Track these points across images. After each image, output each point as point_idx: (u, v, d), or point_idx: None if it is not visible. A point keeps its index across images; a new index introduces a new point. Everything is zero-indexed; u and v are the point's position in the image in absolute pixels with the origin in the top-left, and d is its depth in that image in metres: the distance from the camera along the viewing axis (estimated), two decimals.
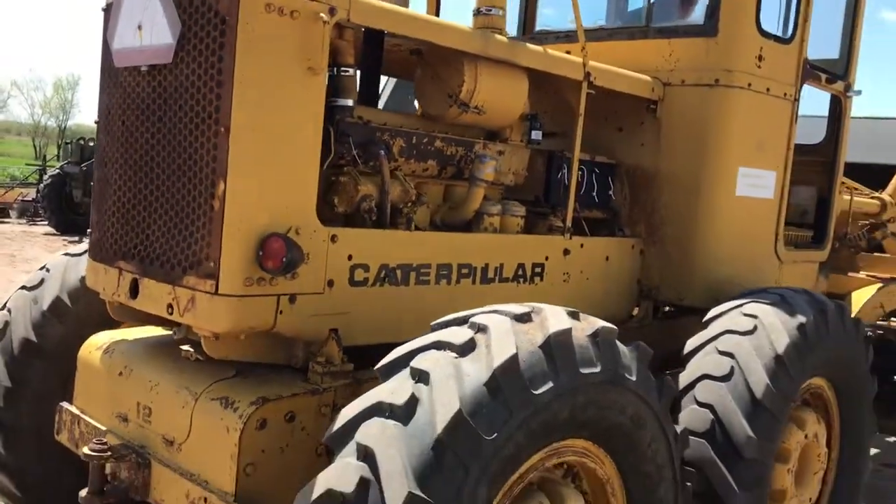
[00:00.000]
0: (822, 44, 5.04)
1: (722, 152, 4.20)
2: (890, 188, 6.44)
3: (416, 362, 2.36)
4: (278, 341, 3.00)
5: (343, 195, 3.18)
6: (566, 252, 3.90)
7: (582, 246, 3.99)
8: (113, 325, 3.57)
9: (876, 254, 6.66)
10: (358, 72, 3.60)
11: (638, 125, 4.38)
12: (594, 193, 4.28)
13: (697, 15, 4.32)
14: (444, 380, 2.27)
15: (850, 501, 4.28)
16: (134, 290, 3.02)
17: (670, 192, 4.29)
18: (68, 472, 3.60)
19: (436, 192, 3.65)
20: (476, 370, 2.31)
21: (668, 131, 4.29)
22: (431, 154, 3.48)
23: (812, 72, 4.58)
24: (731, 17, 4.12)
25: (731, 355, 3.50)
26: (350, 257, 3.03)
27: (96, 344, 3.45)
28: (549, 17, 5.41)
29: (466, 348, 2.39)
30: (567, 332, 2.50)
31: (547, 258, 3.82)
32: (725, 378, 3.45)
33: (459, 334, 2.45)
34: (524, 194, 4.01)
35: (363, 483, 2.16)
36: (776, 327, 3.54)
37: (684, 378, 3.55)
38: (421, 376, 2.31)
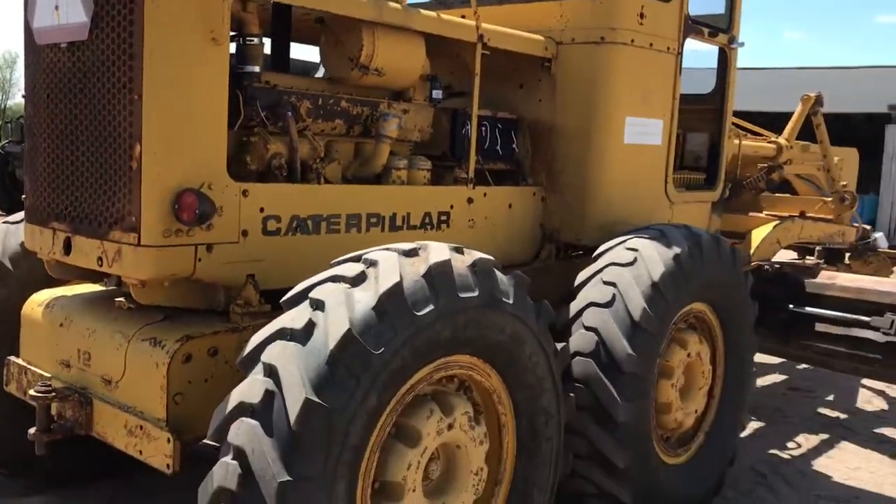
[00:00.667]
0: (709, 0, 5.48)
1: (609, 104, 4.60)
2: (786, 132, 6.93)
3: (314, 293, 2.73)
4: (200, 287, 3.35)
5: (254, 154, 3.52)
6: (470, 201, 4.29)
7: (485, 195, 4.38)
8: (53, 285, 3.88)
9: (777, 194, 7.18)
10: (268, 40, 3.95)
11: (536, 82, 4.76)
12: (498, 147, 4.66)
13: None
14: (336, 306, 2.65)
15: (735, 413, 4.76)
16: (67, 248, 3.34)
17: (566, 143, 4.68)
18: (22, 420, 3.90)
19: (346, 149, 4.00)
20: (365, 297, 2.68)
21: (561, 87, 4.67)
22: (338, 114, 3.82)
23: (694, 27, 4.99)
24: None
25: (613, 284, 3.93)
26: (262, 209, 3.37)
27: (38, 301, 3.77)
28: None
29: (358, 280, 2.75)
30: (447, 263, 2.88)
31: (452, 207, 4.20)
32: (608, 304, 3.88)
33: (352, 268, 2.82)
34: (432, 149, 4.37)
35: (268, 394, 2.53)
36: (653, 258, 3.98)
37: (574, 307, 3.98)
38: (318, 304, 2.68)
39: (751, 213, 6.68)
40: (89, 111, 3.16)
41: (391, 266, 2.79)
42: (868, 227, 9.60)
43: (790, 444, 5.88)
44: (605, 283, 3.96)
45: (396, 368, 2.71)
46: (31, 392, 3.33)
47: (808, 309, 5.80)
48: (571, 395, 3.56)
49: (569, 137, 4.67)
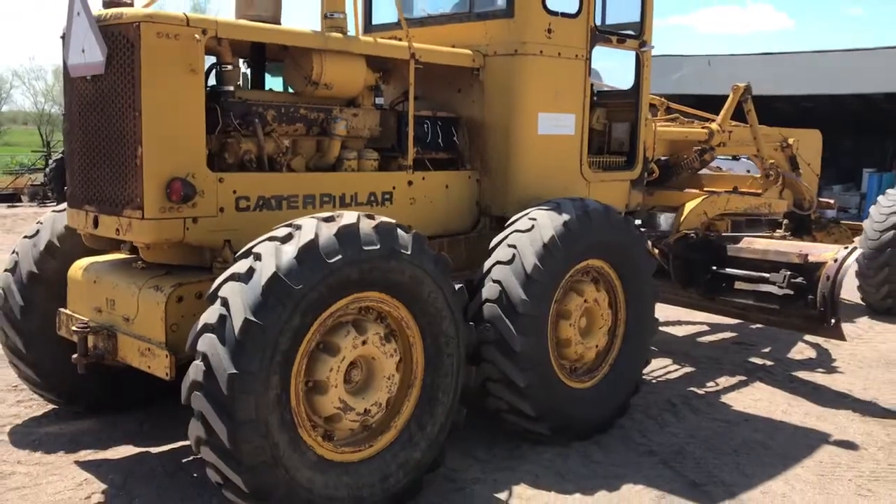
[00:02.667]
0: (627, 10, 6.55)
1: (523, 103, 5.72)
2: (719, 118, 7.93)
3: (255, 249, 3.92)
4: (190, 249, 4.58)
5: (231, 151, 4.75)
6: (410, 183, 5.45)
7: (424, 178, 5.54)
8: (90, 255, 5.16)
9: (710, 172, 8.20)
10: (245, 64, 5.18)
11: (469, 87, 5.90)
12: (440, 140, 5.81)
13: (501, 2, 5.81)
14: (268, 256, 3.82)
15: (638, 350, 5.83)
16: (95, 223, 4.61)
17: (492, 135, 5.82)
18: (71, 362, 5.13)
19: (308, 145, 5.20)
20: (289, 249, 3.85)
21: (488, 90, 5.81)
22: (299, 119, 5.02)
23: (601, 36, 6.07)
24: (522, 2, 5.61)
25: (514, 246, 5.06)
26: (235, 192, 4.59)
27: (78, 266, 5.05)
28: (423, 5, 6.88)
29: (286, 239, 3.92)
30: (354, 224, 4.04)
31: (394, 188, 5.37)
32: (509, 262, 5.02)
33: (283, 231, 3.98)
34: (383, 143, 5.54)
35: (221, 317, 3.72)
36: (546, 225, 5.09)
37: (486, 264, 5.13)
38: (256, 256, 3.86)
39: (687, 190, 7.70)
40: (107, 124, 4.42)
41: (310, 228, 3.95)
42: (831, 202, 10.56)
43: (709, 384, 6.93)
44: (509, 245, 5.09)
45: (314, 299, 3.87)
46: (74, 328, 4.61)
47: (727, 270, 6.84)
48: (471, 322, 4.70)
49: (494, 130, 5.81)
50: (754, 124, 7.96)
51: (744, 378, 7.13)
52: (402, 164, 5.46)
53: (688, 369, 7.35)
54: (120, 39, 4.26)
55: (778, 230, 9.86)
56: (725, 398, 6.57)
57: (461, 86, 5.95)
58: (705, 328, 9.03)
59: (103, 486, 4.69)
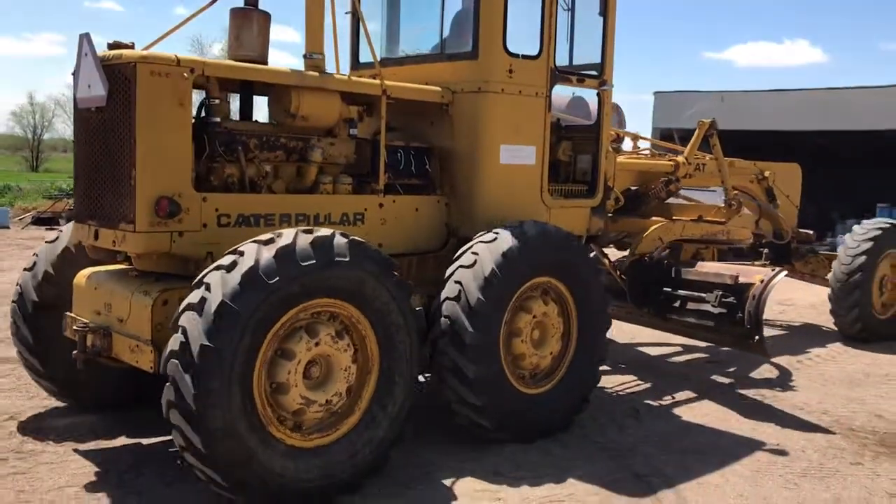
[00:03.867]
0: (592, 53, 7.17)
1: (486, 135, 6.34)
2: (686, 151, 8.49)
3: (205, 279, 4.49)
4: (177, 260, 5.22)
5: (217, 174, 5.40)
6: (381, 205, 6.07)
7: (394, 202, 6.16)
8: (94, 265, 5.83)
9: (679, 201, 8.74)
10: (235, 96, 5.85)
11: (441, 120, 6.54)
12: (413, 167, 6.43)
13: (467, 45, 6.45)
14: (216, 286, 4.39)
15: (593, 352, 6.35)
16: (96, 236, 5.29)
17: (459, 163, 6.44)
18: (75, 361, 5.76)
19: (289, 170, 5.84)
20: (233, 277, 4.41)
21: (456, 123, 6.44)
22: (280, 147, 5.68)
23: (560, 76, 6.69)
24: (485, 46, 6.26)
25: (459, 283, 5.58)
26: (217, 210, 5.23)
27: (82, 274, 5.72)
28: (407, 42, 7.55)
29: (230, 267, 4.48)
30: (291, 244, 4.56)
31: (366, 209, 5.99)
32: (456, 298, 5.56)
33: (229, 259, 4.55)
34: (360, 169, 6.17)
35: (182, 343, 4.31)
36: (487, 259, 5.63)
37: (448, 272, 5.70)
38: (206, 286, 4.44)
39: (654, 217, 8.24)
40: (107, 150, 5.10)
41: (251, 254, 4.51)
42: (811, 233, 11.03)
43: (676, 394, 7.48)
44: (455, 282, 5.66)
45: (261, 318, 4.43)
46: (74, 327, 5.27)
47: (674, 290, 7.38)
48: (419, 308, 5.26)
49: (461, 160, 6.43)
50: (719, 157, 8.52)
51: (708, 390, 7.63)
52: (374, 188, 6.08)
53: (657, 382, 7.87)
54: (119, 76, 4.96)
55: (758, 260, 10.38)
56: (686, 407, 7.10)
57: (434, 119, 6.58)
58: (679, 348, 9.52)
59: (108, 477, 5.25)
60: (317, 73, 5.71)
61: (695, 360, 9.05)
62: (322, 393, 4.83)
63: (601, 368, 6.63)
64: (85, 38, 5.09)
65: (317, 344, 4.75)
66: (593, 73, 7.07)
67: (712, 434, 6.44)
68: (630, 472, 5.57)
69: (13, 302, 6.13)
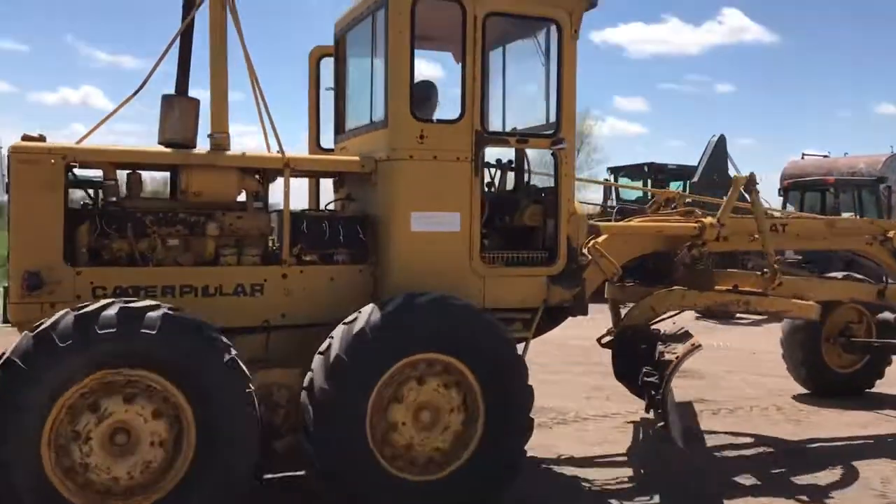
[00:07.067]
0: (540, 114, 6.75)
1: (396, 203, 6.14)
2: (719, 212, 7.44)
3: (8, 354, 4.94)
4: None
5: (107, 250, 5.85)
6: (284, 276, 6.13)
7: (301, 272, 6.18)
8: None
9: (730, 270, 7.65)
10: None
11: (370, 188, 6.46)
12: (341, 237, 6.41)
13: (380, 115, 6.33)
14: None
15: (509, 430, 5.83)
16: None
17: (378, 231, 6.30)
18: None
19: (191, 243, 6.10)
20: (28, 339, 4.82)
21: (378, 190, 6.33)
22: (178, 222, 6.00)
23: (490, 138, 6.30)
24: (392, 112, 6.11)
25: (331, 337, 5.51)
26: (92, 283, 5.66)
27: None
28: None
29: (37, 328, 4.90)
30: (93, 314, 4.87)
31: (265, 280, 6.08)
32: (324, 352, 5.48)
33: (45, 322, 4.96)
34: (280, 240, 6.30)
35: None
36: (362, 319, 5.49)
37: (325, 344, 5.61)
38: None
39: (676, 287, 7.31)
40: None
41: (57, 316, 4.90)
42: None
43: None
44: (329, 336, 5.57)
45: (62, 381, 4.81)
46: None
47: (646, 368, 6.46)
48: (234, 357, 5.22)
49: (380, 227, 6.30)
50: (759, 217, 7.36)
51: None
52: (282, 259, 6.15)
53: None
54: (6, 165, 5.63)
55: None
56: None
57: (369, 188, 6.53)
58: None
59: None
60: (204, 152, 5.99)
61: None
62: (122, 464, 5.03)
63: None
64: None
65: (101, 418, 4.98)
66: (547, 132, 6.58)
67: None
68: None
69: None
